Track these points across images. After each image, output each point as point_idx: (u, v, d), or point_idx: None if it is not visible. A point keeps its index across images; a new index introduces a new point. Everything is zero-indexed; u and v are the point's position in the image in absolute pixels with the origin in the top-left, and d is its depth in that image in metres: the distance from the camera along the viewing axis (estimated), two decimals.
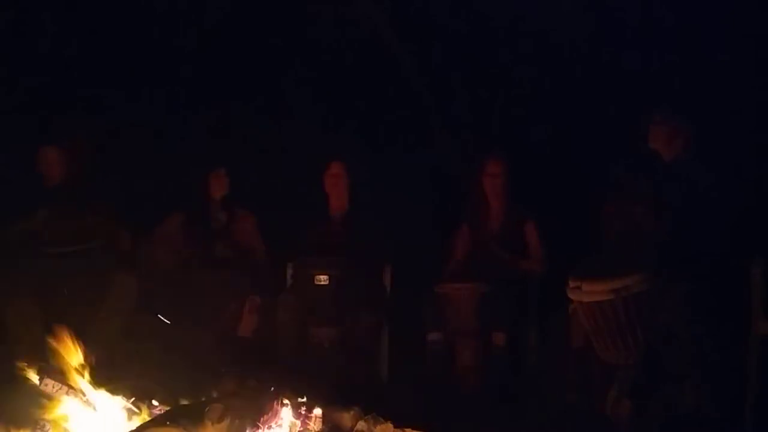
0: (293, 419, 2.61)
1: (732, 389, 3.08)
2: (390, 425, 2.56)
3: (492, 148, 4.28)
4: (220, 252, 4.15)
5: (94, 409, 2.45)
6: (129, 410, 2.48)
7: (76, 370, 2.45)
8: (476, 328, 3.84)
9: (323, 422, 2.64)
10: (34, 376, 2.44)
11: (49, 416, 2.41)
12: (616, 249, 3.44)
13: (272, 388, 2.61)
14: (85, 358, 2.49)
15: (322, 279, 4.02)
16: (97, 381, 2.50)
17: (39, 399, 2.43)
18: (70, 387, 2.45)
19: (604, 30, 4.38)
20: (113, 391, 2.49)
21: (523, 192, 4.17)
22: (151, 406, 2.53)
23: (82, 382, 2.45)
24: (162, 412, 2.48)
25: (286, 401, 2.60)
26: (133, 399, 2.50)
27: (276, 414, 2.59)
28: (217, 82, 4.78)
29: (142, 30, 4.62)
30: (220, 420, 2.30)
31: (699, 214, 3.21)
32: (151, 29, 4.65)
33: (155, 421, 2.34)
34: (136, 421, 2.45)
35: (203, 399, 2.56)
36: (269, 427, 2.53)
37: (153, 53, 4.65)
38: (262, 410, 2.51)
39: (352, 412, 2.64)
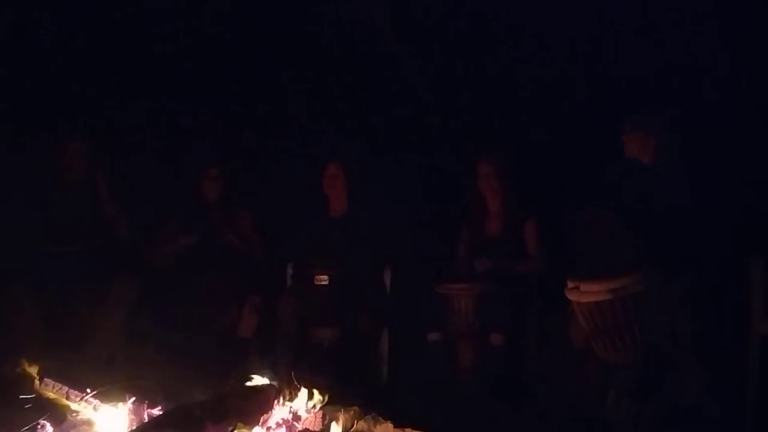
0: (293, 418, 2.62)
1: (732, 389, 3.09)
2: (390, 425, 2.57)
3: (490, 148, 4.29)
4: (219, 252, 4.15)
5: (94, 409, 2.45)
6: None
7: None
8: (476, 329, 3.84)
9: (323, 422, 2.64)
10: (33, 377, 2.44)
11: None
12: (614, 249, 3.44)
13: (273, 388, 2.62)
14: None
15: (322, 279, 4.02)
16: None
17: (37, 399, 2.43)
18: (70, 387, 2.45)
19: (605, 30, 4.38)
20: (113, 391, 2.49)
21: (523, 192, 4.18)
22: (150, 407, 2.54)
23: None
24: (162, 412, 2.48)
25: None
26: (133, 399, 2.50)
27: (276, 413, 2.59)
28: (217, 82, 4.78)
29: (142, 30, 4.61)
30: (220, 420, 2.30)
31: (698, 214, 3.22)
32: (151, 29, 4.65)
33: (155, 422, 2.34)
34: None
35: (203, 399, 2.56)
36: (269, 428, 2.53)
37: (152, 53, 4.64)
38: (262, 409, 2.51)
39: (352, 412, 2.64)
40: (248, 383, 2.67)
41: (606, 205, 3.53)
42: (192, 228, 4.16)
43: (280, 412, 2.60)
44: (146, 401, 2.55)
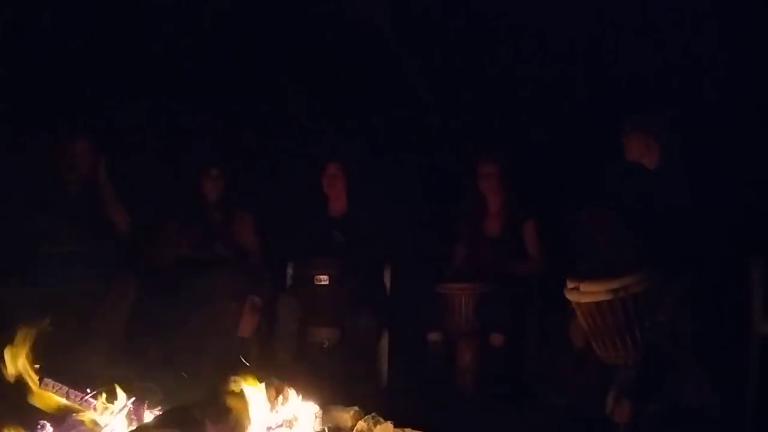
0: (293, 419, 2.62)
1: (732, 389, 3.09)
2: (390, 425, 2.56)
3: (492, 148, 4.29)
4: (219, 252, 4.15)
5: (94, 409, 2.45)
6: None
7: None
8: (476, 329, 3.84)
9: (323, 422, 2.64)
10: (32, 377, 2.44)
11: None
12: (614, 250, 3.45)
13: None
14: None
15: (322, 279, 4.02)
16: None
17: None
18: (70, 387, 2.45)
19: (605, 30, 4.38)
20: (114, 391, 2.48)
21: (523, 192, 4.19)
22: (150, 407, 2.53)
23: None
24: (162, 412, 2.48)
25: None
26: (133, 399, 2.50)
27: (275, 413, 2.59)
28: (217, 82, 4.78)
29: (142, 30, 4.62)
30: (220, 420, 2.30)
31: (697, 214, 3.22)
32: (151, 29, 4.65)
33: (156, 422, 2.34)
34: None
35: (203, 399, 2.56)
36: (269, 428, 2.53)
37: (152, 53, 4.65)
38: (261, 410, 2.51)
39: (352, 412, 2.64)
40: (248, 384, 2.67)
41: (606, 205, 3.53)
42: (193, 229, 4.17)
43: (280, 412, 2.60)
44: (146, 401, 2.54)
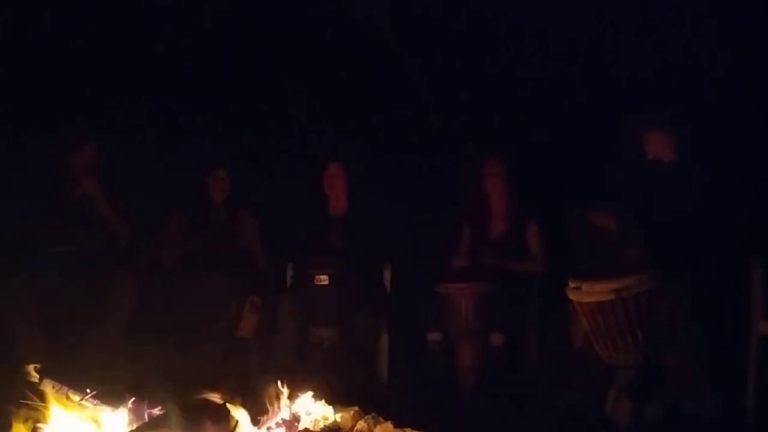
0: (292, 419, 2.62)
1: (732, 389, 3.09)
2: (390, 425, 2.56)
3: (492, 148, 4.29)
4: (221, 252, 4.15)
5: (94, 410, 2.44)
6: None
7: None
8: (476, 328, 3.84)
9: (323, 422, 2.64)
10: (32, 378, 2.44)
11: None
12: (617, 249, 3.44)
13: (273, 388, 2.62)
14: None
15: (322, 279, 4.02)
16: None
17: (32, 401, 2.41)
18: (71, 388, 2.45)
19: (605, 30, 4.38)
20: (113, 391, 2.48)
21: (523, 192, 4.19)
22: (150, 407, 2.53)
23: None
24: (162, 412, 2.48)
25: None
26: (133, 399, 2.50)
27: (276, 413, 2.59)
28: (217, 82, 4.78)
29: (142, 30, 4.62)
30: (220, 420, 2.30)
31: (698, 214, 3.22)
32: (151, 29, 4.65)
33: (155, 422, 2.34)
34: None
35: (203, 399, 2.55)
36: (269, 428, 2.53)
37: (152, 53, 4.65)
38: (262, 410, 2.51)
39: (352, 412, 2.64)
40: (248, 384, 2.67)
41: (609, 205, 3.53)
42: (196, 229, 4.17)
43: (280, 412, 2.60)
44: (146, 401, 2.54)
